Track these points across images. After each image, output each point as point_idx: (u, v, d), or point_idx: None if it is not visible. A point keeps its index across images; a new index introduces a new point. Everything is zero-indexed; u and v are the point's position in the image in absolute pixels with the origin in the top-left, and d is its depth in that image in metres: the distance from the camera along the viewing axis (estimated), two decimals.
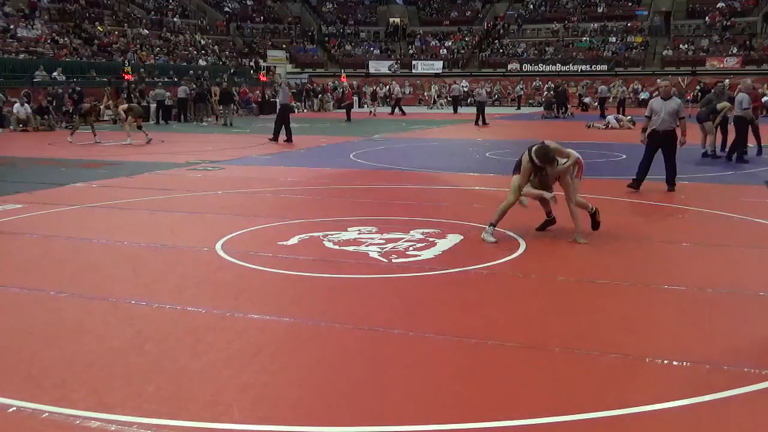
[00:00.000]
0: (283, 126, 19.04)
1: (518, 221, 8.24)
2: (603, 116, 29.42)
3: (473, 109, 28.95)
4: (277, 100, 20.57)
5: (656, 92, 10.22)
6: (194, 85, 31.52)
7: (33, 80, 28.55)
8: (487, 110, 27.76)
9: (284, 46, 51.50)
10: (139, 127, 19.06)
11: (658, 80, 10.98)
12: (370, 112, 35.73)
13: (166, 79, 34.94)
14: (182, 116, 29.80)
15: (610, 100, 35.54)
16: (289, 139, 19.04)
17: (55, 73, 29.67)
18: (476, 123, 26.36)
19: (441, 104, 43.55)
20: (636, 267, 6.40)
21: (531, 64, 47.23)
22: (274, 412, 3.50)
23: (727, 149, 14.91)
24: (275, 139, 19.03)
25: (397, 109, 35.02)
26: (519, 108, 40.78)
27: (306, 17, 56.45)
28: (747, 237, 7.40)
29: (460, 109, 37.34)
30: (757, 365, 4.01)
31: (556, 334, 4.55)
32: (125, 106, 20.59)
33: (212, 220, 8.37)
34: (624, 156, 15.61)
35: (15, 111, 24.29)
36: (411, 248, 6.80)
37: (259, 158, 15.77)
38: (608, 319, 4.91)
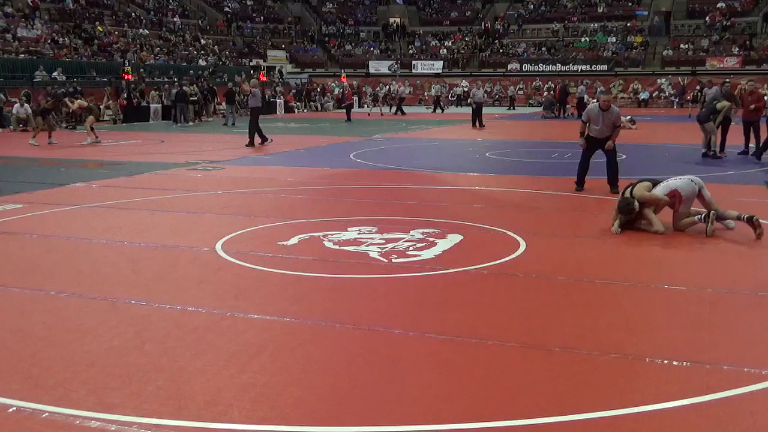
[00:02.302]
0: (253, 129, 18.48)
1: (518, 221, 8.26)
2: (579, 117, 29.41)
3: (459, 110, 28.73)
4: (248, 104, 19.46)
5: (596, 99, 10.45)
6: (181, 86, 31.32)
7: (33, 80, 28.56)
8: (485, 110, 27.41)
9: (284, 46, 51.54)
10: (91, 128, 19.18)
11: (601, 95, 11.09)
12: (370, 113, 35.72)
13: (166, 79, 34.96)
14: (182, 117, 29.76)
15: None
16: (262, 141, 18.51)
17: (55, 73, 29.68)
18: (474, 125, 26.20)
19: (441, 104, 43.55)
20: (636, 267, 6.40)
21: (531, 64, 47.25)
22: (274, 412, 3.50)
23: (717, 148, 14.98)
24: (252, 143, 18.33)
25: (397, 110, 35.04)
26: (512, 108, 40.66)
27: (306, 17, 56.46)
28: (747, 237, 7.39)
29: (455, 110, 37.26)
30: (757, 365, 4.02)
31: (556, 334, 4.55)
32: (84, 103, 20.50)
33: (212, 220, 8.37)
34: (624, 156, 15.60)
35: (15, 111, 24.29)
36: (411, 248, 6.80)
37: (259, 158, 15.78)
38: (608, 319, 4.91)
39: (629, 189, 7.79)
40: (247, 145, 18.15)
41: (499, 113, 35.63)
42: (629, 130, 23.79)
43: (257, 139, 18.56)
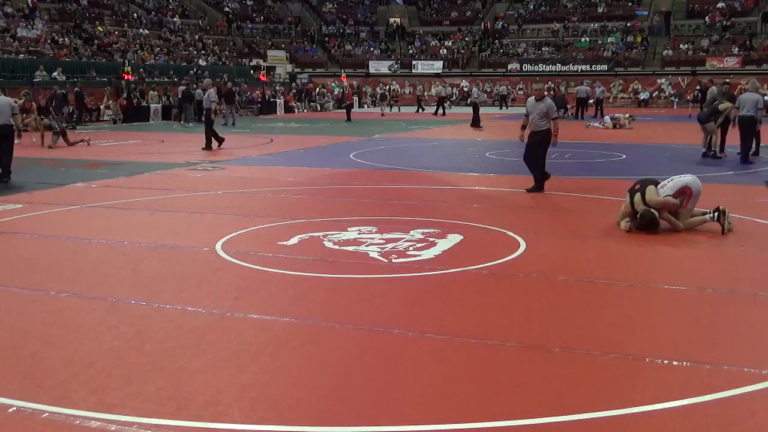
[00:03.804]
0: (206, 131, 17.35)
1: (518, 221, 8.26)
2: (576, 117, 29.56)
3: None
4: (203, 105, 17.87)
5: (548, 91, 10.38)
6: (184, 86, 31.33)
7: (33, 80, 28.55)
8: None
9: (284, 46, 51.54)
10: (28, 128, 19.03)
11: (534, 84, 11.08)
12: (383, 112, 35.38)
13: (166, 79, 34.95)
14: (183, 117, 29.76)
15: (611, 100, 35.52)
16: (207, 146, 17.20)
17: (55, 73, 29.67)
18: (475, 124, 26.13)
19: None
20: (636, 267, 6.40)
21: (531, 64, 47.25)
22: (274, 412, 3.50)
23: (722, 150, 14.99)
24: (209, 147, 17.18)
25: (440, 110, 34.42)
26: (503, 108, 40.52)
27: (306, 17, 56.45)
28: (747, 237, 7.39)
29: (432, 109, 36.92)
30: (757, 365, 4.02)
31: (556, 334, 4.55)
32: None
33: (212, 220, 8.37)
34: (624, 156, 15.62)
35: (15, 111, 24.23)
36: (411, 248, 6.80)
37: (259, 158, 15.78)
38: (608, 319, 4.91)
39: (639, 195, 7.60)
40: (203, 149, 17.06)
41: (499, 113, 35.61)
42: (631, 129, 23.84)
43: (215, 143, 17.44)
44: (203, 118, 17.81)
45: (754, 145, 15.04)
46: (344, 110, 31.75)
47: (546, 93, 41.72)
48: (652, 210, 7.50)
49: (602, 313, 5.04)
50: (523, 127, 10.47)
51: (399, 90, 39.90)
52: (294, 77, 46.50)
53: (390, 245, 6.91)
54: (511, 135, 23.59)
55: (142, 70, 34.30)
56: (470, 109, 27.57)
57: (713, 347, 4.36)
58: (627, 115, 25.69)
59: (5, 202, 9.46)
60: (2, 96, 12.61)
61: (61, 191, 10.63)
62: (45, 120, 19.97)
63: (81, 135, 19.47)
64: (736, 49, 42.98)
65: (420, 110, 37.63)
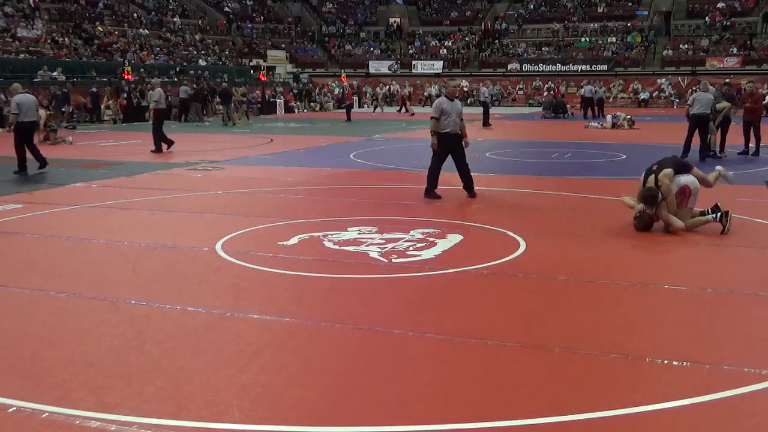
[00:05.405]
0: (158, 134, 16.70)
1: (518, 221, 8.25)
2: (585, 116, 29.60)
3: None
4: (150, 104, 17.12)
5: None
6: (194, 85, 31.44)
7: (33, 80, 28.56)
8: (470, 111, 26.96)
9: (284, 46, 51.54)
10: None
11: (450, 81, 10.76)
12: (413, 113, 35.02)
13: (166, 79, 34.95)
14: (183, 116, 29.77)
15: (611, 100, 35.46)
16: (158, 149, 16.53)
17: (55, 73, 29.68)
18: (485, 124, 25.82)
19: None
20: (636, 267, 6.40)
21: (531, 64, 47.24)
22: (274, 412, 3.50)
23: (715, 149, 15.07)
24: (158, 149, 16.54)
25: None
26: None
27: (306, 17, 56.46)
28: (747, 237, 7.39)
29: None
30: (757, 365, 4.02)
31: (556, 334, 4.55)
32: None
33: (212, 220, 8.37)
34: (624, 156, 15.62)
35: None
36: (411, 248, 6.80)
37: (259, 158, 15.77)
38: (608, 319, 4.91)
39: (653, 176, 7.72)
40: (153, 151, 16.45)
41: (499, 113, 35.60)
42: (634, 129, 23.82)
43: (165, 144, 16.77)
44: (153, 119, 17.09)
45: (754, 145, 15.10)
46: (344, 110, 31.72)
47: (547, 93, 41.48)
48: (657, 187, 7.55)
49: (602, 313, 5.04)
50: (434, 132, 9.81)
51: (400, 90, 40.16)
52: (297, 77, 46.49)
53: (390, 245, 6.91)
54: (511, 135, 23.70)
55: (142, 70, 34.31)
56: (472, 110, 27.46)
57: (713, 347, 4.36)
58: (627, 116, 25.61)
59: (5, 202, 9.46)
60: (29, 95, 13.14)
61: (61, 191, 10.63)
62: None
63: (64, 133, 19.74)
64: (736, 49, 42.96)
65: (403, 110, 36.90)
